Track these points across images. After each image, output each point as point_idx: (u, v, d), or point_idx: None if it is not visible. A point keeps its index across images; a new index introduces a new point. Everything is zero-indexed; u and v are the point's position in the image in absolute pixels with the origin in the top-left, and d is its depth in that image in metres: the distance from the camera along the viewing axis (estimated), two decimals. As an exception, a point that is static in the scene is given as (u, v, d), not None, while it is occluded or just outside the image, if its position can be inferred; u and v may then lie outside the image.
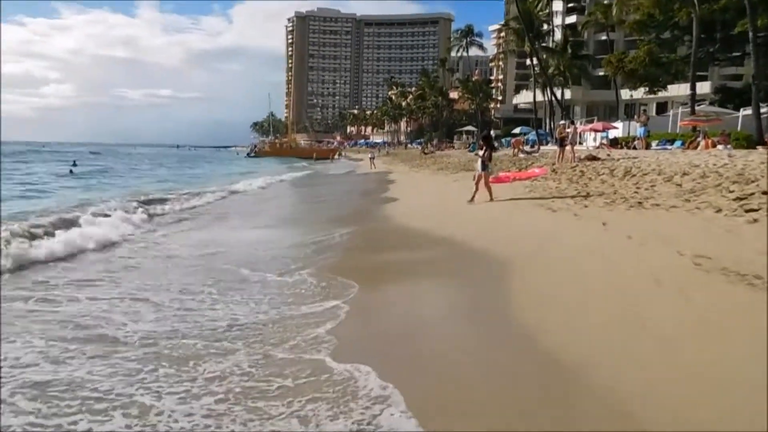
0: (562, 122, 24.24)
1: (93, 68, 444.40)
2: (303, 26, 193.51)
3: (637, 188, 11.66)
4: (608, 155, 20.16)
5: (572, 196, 11.75)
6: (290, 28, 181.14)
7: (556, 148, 22.38)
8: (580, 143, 21.62)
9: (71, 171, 34.79)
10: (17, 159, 53.51)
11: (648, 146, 24.88)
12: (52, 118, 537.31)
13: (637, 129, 26.82)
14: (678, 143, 24.33)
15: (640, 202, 10.00)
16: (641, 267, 5.99)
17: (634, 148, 25.66)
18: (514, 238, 8.81)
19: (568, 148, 19.34)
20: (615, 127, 33.24)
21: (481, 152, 13.33)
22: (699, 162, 14.34)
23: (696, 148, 21.33)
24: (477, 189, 12.84)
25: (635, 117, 33.70)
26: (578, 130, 23.52)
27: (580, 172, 15.78)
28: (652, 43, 36.86)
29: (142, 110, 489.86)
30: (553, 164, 18.87)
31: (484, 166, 12.83)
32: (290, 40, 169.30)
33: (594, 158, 18.50)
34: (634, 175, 13.51)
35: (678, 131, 29.24)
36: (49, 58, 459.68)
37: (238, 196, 22.12)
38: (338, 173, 40.69)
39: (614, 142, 29.61)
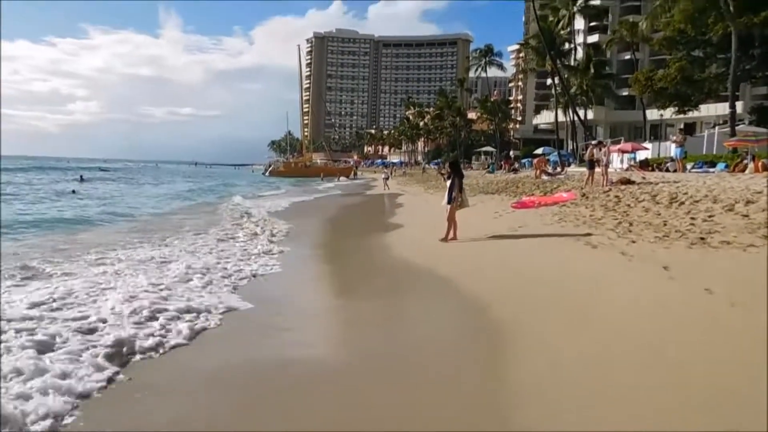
0: (593, 142, 22.20)
1: (119, 86, 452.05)
2: (321, 47, 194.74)
3: (692, 219, 9.65)
4: (643, 178, 18.05)
5: (617, 233, 9.61)
6: (308, 49, 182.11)
7: (581, 169, 20.32)
8: (607, 165, 19.61)
9: (74, 191, 32.90)
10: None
11: (684, 168, 22.67)
12: (78, 134, 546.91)
13: (672, 150, 24.55)
14: (721, 166, 22.03)
15: (702, 238, 8.03)
16: (752, 352, 3.91)
17: (667, 170, 23.45)
18: (540, 288, 6.74)
19: (598, 170, 17.31)
20: (645, 148, 30.97)
21: (448, 182, 11.00)
22: (759, 188, 12.24)
23: (744, 171, 19.05)
24: (450, 225, 10.69)
25: (671, 137, 31.38)
26: (610, 150, 21.33)
27: (615, 197, 13.86)
28: (683, 60, 34.68)
29: (164, 127, 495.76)
30: (582, 188, 16.87)
31: (450, 198, 10.61)
32: (308, 61, 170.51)
33: (629, 182, 16.46)
34: (682, 203, 11.58)
35: (715, 152, 27.02)
36: (77, 76, 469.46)
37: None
38: (347, 193, 38.94)
39: (644, 164, 27.39)
